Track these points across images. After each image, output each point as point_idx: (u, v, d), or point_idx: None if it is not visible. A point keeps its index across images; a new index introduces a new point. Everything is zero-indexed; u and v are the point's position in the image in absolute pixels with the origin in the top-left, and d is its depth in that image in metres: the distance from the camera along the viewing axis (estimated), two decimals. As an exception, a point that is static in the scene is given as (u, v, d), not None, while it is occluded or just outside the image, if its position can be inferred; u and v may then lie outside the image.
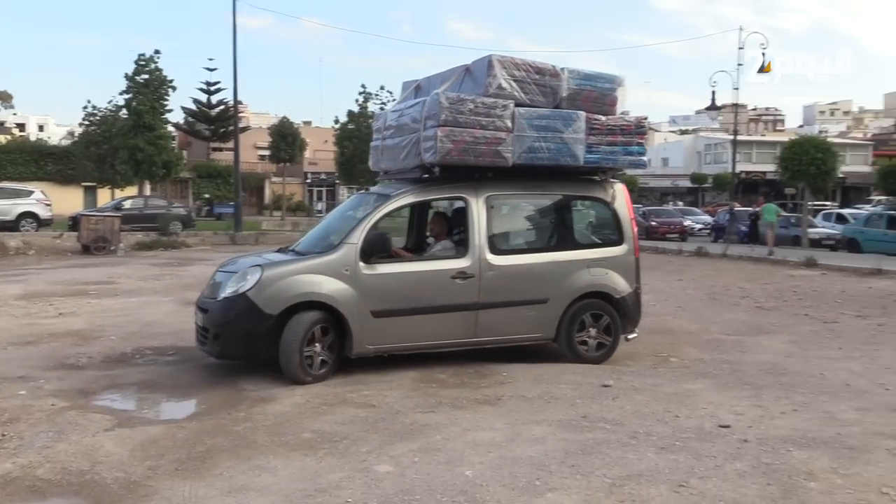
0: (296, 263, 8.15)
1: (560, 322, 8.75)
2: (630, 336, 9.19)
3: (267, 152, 61.73)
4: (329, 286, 7.87)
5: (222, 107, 66.78)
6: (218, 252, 24.80)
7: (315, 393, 7.36)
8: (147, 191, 41.01)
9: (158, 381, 7.93)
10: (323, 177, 67.42)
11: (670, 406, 6.94)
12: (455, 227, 8.99)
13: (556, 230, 9.25)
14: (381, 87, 47.65)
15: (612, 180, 9.31)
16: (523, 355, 8.89)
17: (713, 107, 37.63)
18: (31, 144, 59.22)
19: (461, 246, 8.59)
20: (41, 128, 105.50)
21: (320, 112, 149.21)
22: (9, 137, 72.51)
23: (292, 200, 62.69)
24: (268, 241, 27.26)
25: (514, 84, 8.45)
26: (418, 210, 9.64)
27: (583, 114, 8.65)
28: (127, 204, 34.11)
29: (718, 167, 64.60)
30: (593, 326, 8.87)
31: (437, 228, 9.14)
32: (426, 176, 8.78)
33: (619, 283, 9.01)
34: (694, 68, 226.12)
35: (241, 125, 47.07)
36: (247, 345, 7.84)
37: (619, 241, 9.19)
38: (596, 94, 8.88)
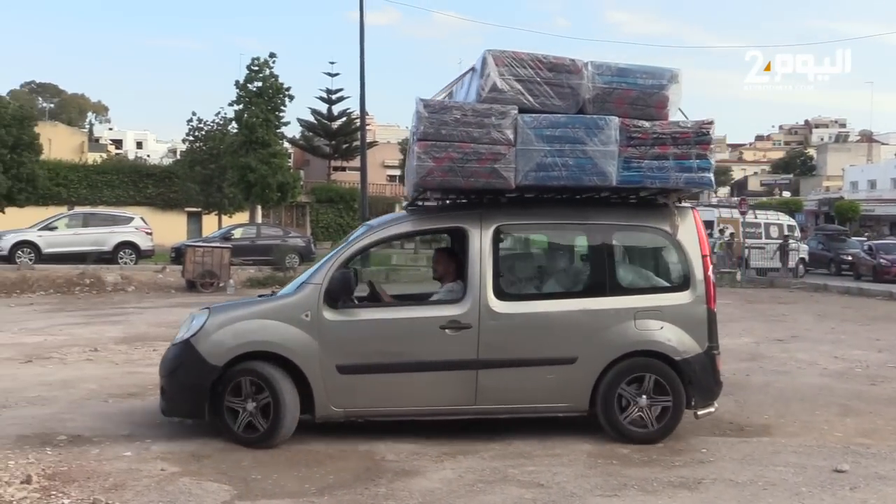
0: (250, 307, 8.58)
1: (595, 389, 8.27)
2: (701, 412, 8.49)
3: (397, 172, 63.14)
4: (283, 334, 8.11)
5: (345, 118, 68.92)
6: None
7: (468, 466, 7.39)
8: (259, 217, 42.54)
9: (280, 446, 8.09)
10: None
11: (931, 501, 6.54)
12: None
13: (592, 270, 8.83)
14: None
15: (682, 205, 8.81)
16: (724, 427, 8.73)
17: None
18: (128, 164, 62.84)
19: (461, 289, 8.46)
20: (139, 144, 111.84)
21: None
22: (104, 156, 77.33)
23: (427, 230, 63.51)
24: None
25: (517, 85, 8.13)
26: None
27: (614, 119, 8.20)
28: (237, 233, 35.39)
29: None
30: (644, 394, 8.22)
31: (442, 268, 9.00)
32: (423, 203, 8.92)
33: (680, 341, 8.33)
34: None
35: (367, 140, 48.33)
36: (191, 401, 8.20)
37: (682, 286, 8.56)
38: (635, 94, 8.35)
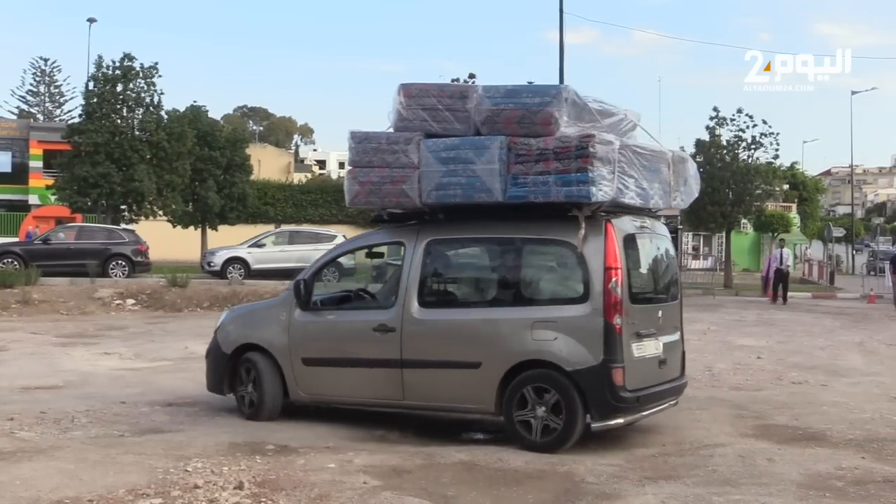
0: (254, 306, 11.02)
1: (499, 394, 8.71)
2: (597, 424, 8.46)
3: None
4: (267, 330, 9.96)
5: (542, 137, 68.92)
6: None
7: (671, 492, 7.24)
8: (456, 236, 43.02)
9: (480, 464, 8.15)
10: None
11: None
12: None
13: (499, 281, 9.46)
14: (739, 111, 46.08)
15: (603, 214, 8.67)
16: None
17: None
18: (331, 183, 64.87)
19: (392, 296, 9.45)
20: (342, 165, 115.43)
21: (659, 141, 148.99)
22: (309, 176, 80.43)
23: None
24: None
25: (423, 113, 8.97)
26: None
27: (498, 139, 8.63)
28: (434, 251, 35.97)
29: None
30: (540, 404, 8.52)
31: None
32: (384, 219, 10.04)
33: (572, 352, 8.45)
34: None
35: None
36: (216, 380, 10.34)
37: (581, 298, 8.62)
38: (520, 113, 8.67)
